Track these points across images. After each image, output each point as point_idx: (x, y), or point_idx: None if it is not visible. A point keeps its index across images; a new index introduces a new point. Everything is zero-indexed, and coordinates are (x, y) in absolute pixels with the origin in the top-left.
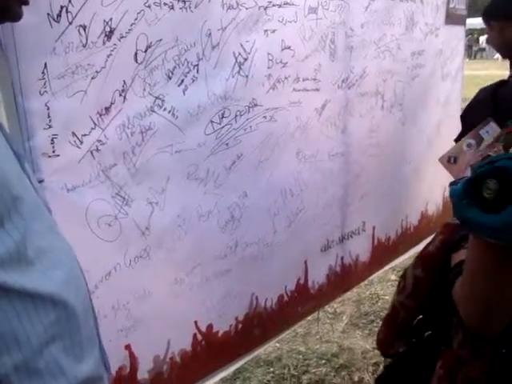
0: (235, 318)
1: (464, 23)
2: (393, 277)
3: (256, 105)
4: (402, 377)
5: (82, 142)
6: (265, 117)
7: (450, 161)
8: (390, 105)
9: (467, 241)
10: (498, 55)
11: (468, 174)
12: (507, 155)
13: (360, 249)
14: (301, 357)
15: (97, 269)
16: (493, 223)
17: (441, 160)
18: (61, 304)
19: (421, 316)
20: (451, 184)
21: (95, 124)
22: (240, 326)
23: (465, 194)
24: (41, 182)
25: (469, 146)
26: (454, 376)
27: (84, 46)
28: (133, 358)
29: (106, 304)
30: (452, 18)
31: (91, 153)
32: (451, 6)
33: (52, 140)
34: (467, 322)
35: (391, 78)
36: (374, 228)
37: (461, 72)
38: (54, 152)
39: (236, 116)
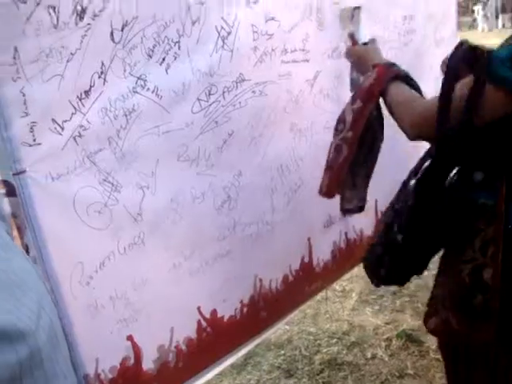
0: (240, 302)
1: None
2: None
3: (244, 80)
4: None
5: (63, 129)
6: (254, 92)
7: None
8: None
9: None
10: (481, 26)
11: None
12: None
13: (364, 223)
14: (311, 337)
15: (90, 259)
16: None
17: None
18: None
19: None
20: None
21: (75, 109)
22: (245, 309)
23: (508, 59)
24: (22, 172)
25: None
26: None
27: (55, 27)
28: (136, 349)
29: (103, 295)
30: None
31: (74, 139)
32: None
33: (31, 128)
34: (409, 126)
35: (383, 44)
36: (376, 201)
37: (454, 38)
38: (34, 141)
39: (224, 92)
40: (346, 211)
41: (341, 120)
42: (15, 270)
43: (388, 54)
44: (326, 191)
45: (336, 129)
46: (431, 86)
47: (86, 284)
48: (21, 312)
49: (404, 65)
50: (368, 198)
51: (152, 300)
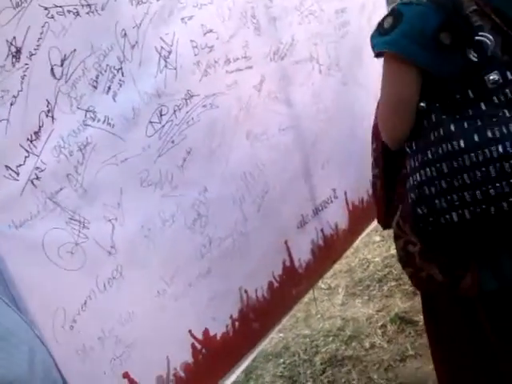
0: (230, 317)
1: None
2: (377, 238)
3: (192, 95)
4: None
5: (18, 174)
6: (204, 105)
7: None
8: (327, 67)
9: None
10: None
11: None
12: (403, 1)
13: (337, 217)
14: (307, 340)
15: (70, 302)
16: (386, 39)
17: None
18: None
19: None
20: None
21: (28, 151)
22: (237, 323)
23: (375, 29)
24: None
25: None
26: None
27: None
28: None
29: (91, 336)
30: None
31: (32, 182)
32: None
33: None
34: (382, 134)
35: (321, 40)
36: (345, 193)
37: None
38: None
39: (175, 111)
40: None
41: (372, 162)
42: (1, 322)
43: (328, 47)
44: (379, 222)
45: (371, 168)
46: (374, 74)
47: (69, 329)
48: (11, 363)
49: (344, 56)
50: (336, 191)
51: (142, 332)
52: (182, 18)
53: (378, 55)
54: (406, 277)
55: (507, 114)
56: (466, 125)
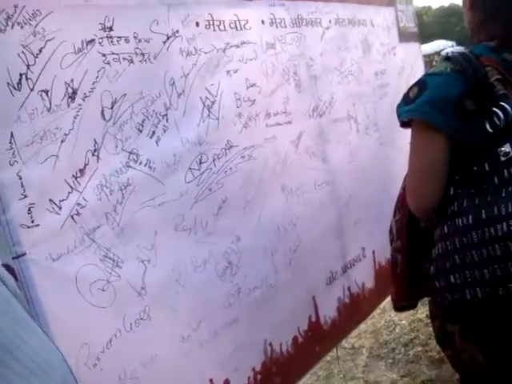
0: (252, 369)
1: (417, 40)
2: None
3: (232, 146)
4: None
5: (60, 208)
6: (243, 156)
7: None
8: (365, 127)
9: None
10: None
11: None
12: (427, 73)
13: (364, 276)
14: None
15: (96, 339)
16: (410, 108)
17: None
18: None
19: None
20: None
21: (72, 187)
22: (259, 376)
23: (402, 99)
24: (22, 255)
25: None
26: None
27: (49, 110)
28: None
29: (112, 375)
30: (405, 36)
31: (72, 217)
32: (401, 25)
33: (29, 210)
34: (409, 204)
35: (359, 100)
36: (373, 252)
37: None
38: (32, 222)
39: (214, 160)
40: (400, 308)
41: (390, 232)
42: (37, 350)
43: (366, 107)
44: (395, 301)
45: (389, 240)
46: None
47: (92, 366)
48: None
49: (383, 117)
50: (365, 250)
51: (163, 376)
52: (228, 71)
53: (403, 125)
54: (434, 343)
55: None
56: (477, 200)
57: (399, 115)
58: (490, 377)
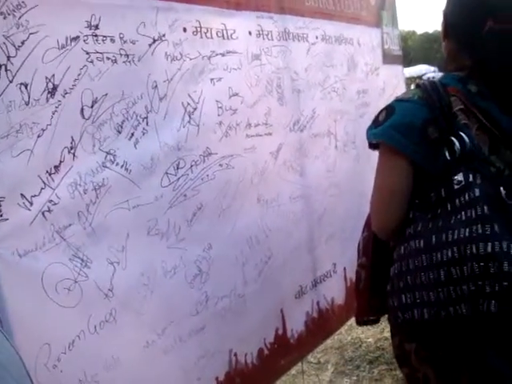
0: (215, 379)
1: (401, 63)
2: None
3: (210, 153)
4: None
5: (31, 204)
6: (221, 165)
7: None
8: (343, 144)
9: None
10: None
11: None
12: (396, 98)
13: (334, 291)
14: None
15: (58, 339)
16: (376, 130)
17: None
18: None
19: None
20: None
21: (45, 184)
22: None
23: (372, 122)
24: None
25: None
26: None
27: (27, 103)
28: None
29: (72, 378)
30: (389, 58)
31: (43, 214)
32: (386, 46)
33: None
34: (372, 224)
35: (341, 117)
36: (344, 269)
37: None
38: (1, 216)
39: (191, 166)
40: (362, 322)
41: (358, 248)
42: None
43: (346, 125)
44: (357, 315)
45: (357, 257)
46: None
47: (52, 367)
48: None
49: (361, 135)
50: (336, 266)
51: (124, 381)
52: (212, 79)
53: (371, 146)
54: None
55: (463, 218)
56: (430, 225)
57: (368, 137)
58: None
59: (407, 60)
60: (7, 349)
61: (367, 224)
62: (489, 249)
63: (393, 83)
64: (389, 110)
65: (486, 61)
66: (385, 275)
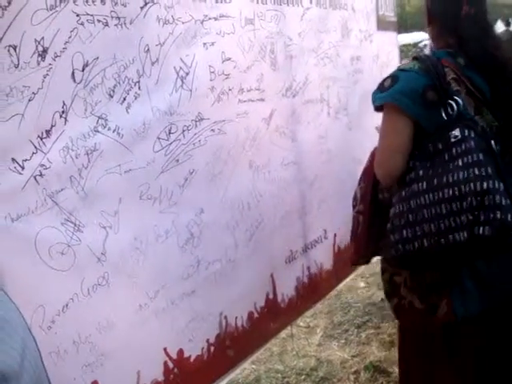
0: (206, 341)
1: (395, 29)
2: (362, 284)
3: (203, 118)
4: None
5: (23, 168)
6: (213, 130)
7: None
8: (335, 111)
9: None
10: None
11: None
12: (399, 68)
13: (324, 257)
14: (279, 375)
15: (52, 302)
16: (384, 95)
17: None
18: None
19: None
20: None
21: (36, 148)
22: (212, 348)
23: (377, 88)
24: None
25: None
26: None
27: (16, 66)
28: None
29: (66, 339)
30: (383, 25)
31: (35, 178)
32: (380, 13)
33: None
34: (378, 173)
35: (334, 84)
36: (335, 235)
37: None
38: None
39: (183, 131)
40: (357, 263)
41: (354, 198)
42: None
43: (339, 91)
44: (353, 256)
45: (353, 205)
46: (378, 122)
47: (47, 328)
48: (5, 353)
49: (353, 102)
50: (327, 232)
51: (118, 343)
52: (204, 43)
53: (376, 109)
54: (385, 326)
55: (460, 163)
56: (430, 171)
57: (374, 101)
58: (423, 319)
59: (404, 26)
60: (6, 304)
61: (365, 175)
62: (484, 186)
63: (387, 50)
64: (393, 78)
65: (467, 41)
66: (378, 221)
